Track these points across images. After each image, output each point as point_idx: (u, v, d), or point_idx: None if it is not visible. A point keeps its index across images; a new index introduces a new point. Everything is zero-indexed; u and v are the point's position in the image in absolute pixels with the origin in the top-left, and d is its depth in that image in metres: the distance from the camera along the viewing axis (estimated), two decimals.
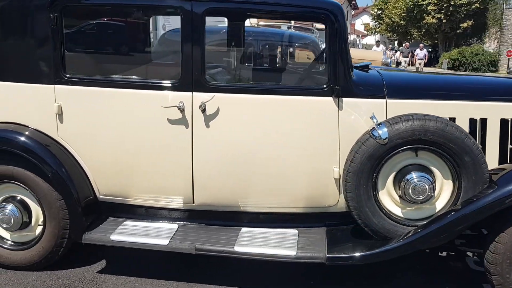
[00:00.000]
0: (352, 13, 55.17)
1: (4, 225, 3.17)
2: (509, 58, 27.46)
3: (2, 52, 3.14)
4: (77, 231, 3.10)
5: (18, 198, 3.22)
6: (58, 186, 3.05)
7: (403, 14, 37.43)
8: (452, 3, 34.12)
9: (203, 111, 2.97)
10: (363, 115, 2.99)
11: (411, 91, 3.16)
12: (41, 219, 3.22)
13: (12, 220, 3.15)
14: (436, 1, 34.86)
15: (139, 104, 3.03)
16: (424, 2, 35.27)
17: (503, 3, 41.15)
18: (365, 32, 55.47)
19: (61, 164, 3.05)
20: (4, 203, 3.21)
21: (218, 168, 3.07)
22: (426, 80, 3.77)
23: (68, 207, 3.07)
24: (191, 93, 2.97)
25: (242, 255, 2.93)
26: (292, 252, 2.92)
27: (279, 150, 3.02)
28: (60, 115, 3.10)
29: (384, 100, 3.02)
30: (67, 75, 3.06)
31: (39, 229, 3.25)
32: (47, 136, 3.14)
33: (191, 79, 2.96)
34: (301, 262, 2.96)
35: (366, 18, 58.56)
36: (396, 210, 2.96)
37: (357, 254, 2.86)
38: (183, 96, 2.98)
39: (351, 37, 46.31)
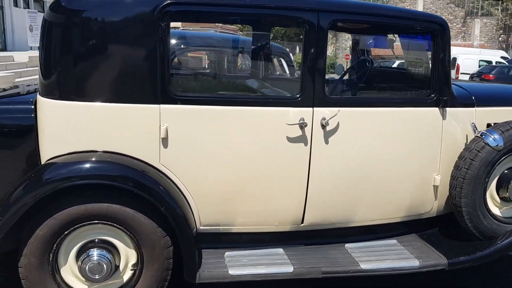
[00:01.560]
0: None
1: (96, 276, 2.63)
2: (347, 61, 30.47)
3: (96, 69, 2.60)
4: (191, 270, 2.71)
5: (99, 240, 2.70)
6: (169, 221, 2.63)
7: None
8: None
9: (323, 126, 2.84)
10: (460, 123, 3.16)
11: (494, 99, 3.42)
12: (132, 262, 2.75)
13: (105, 267, 2.63)
14: None
15: (256, 122, 2.77)
16: None
17: None
18: None
19: (170, 196, 2.64)
20: (88, 250, 2.66)
21: (333, 185, 2.97)
22: (500, 88, 4.09)
23: (181, 243, 2.67)
24: (312, 108, 2.82)
25: (370, 272, 2.89)
26: (415, 263, 2.96)
27: (390, 161, 3.03)
28: (164, 139, 2.68)
29: (474, 109, 3.22)
30: (175, 93, 2.66)
31: (128, 275, 2.77)
32: (148, 164, 2.69)
33: (312, 94, 2.81)
34: (424, 272, 3.00)
35: None
36: (496, 210, 3.19)
37: (474, 256, 3.01)
38: (304, 112, 2.81)
39: None
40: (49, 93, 2.63)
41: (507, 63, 22.46)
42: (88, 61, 2.58)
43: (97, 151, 2.64)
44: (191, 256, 2.69)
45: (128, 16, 2.57)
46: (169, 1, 2.54)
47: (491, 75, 19.10)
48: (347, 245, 3.14)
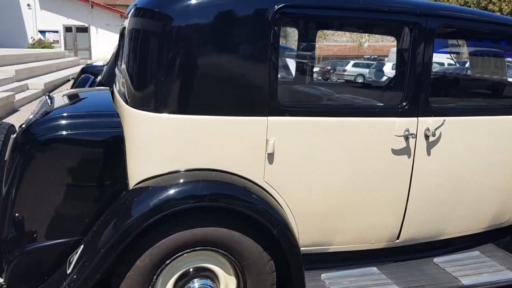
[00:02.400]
0: None
1: None
2: None
3: (198, 79, 2.31)
4: None
5: (198, 268, 2.43)
6: (281, 245, 2.40)
7: None
8: None
9: (427, 137, 2.69)
10: None
11: None
12: None
13: None
14: None
15: (363, 133, 2.58)
16: None
17: None
18: None
19: (281, 217, 2.41)
20: (189, 280, 2.38)
21: (432, 199, 2.83)
22: None
23: (293, 268, 2.44)
24: (416, 118, 2.66)
25: (483, 285, 2.77)
26: (510, 275, 2.88)
27: (486, 171, 2.94)
28: (270, 154, 2.43)
29: None
30: (283, 103, 2.42)
31: None
32: (252, 182, 2.44)
33: (418, 103, 2.65)
34: None
35: None
36: None
37: None
38: (409, 123, 2.65)
39: None
40: (144, 105, 2.31)
41: None
42: (189, 70, 2.28)
43: (201, 169, 2.36)
44: (302, 281, 2.46)
45: (236, 20, 2.30)
46: (283, 4, 2.30)
47: None
48: (435, 259, 3.02)
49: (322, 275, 2.72)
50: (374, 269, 2.84)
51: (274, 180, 2.47)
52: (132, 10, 2.48)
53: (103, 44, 30.34)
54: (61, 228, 2.39)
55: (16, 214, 2.33)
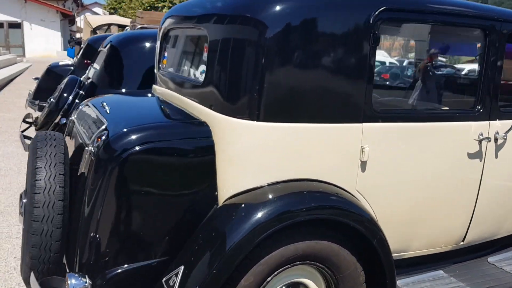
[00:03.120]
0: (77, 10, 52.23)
1: None
2: None
3: (298, 85, 2.19)
4: None
5: (294, 283, 2.33)
6: (379, 255, 2.34)
7: None
8: None
9: (496, 140, 2.74)
10: None
11: None
12: None
13: None
14: (170, 4, 36.46)
15: (445, 138, 2.58)
16: (159, 5, 36.43)
17: None
18: None
19: (379, 226, 2.35)
20: None
21: (497, 200, 2.89)
22: None
23: (388, 279, 2.39)
24: (488, 122, 2.70)
25: None
26: None
27: None
28: (363, 162, 2.37)
29: None
30: (376, 109, 2.36)
31: None
32: (345, 190, 2.36)
33: (490, 107, 2.69)
34: None
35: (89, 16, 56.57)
36: None
37: None
38: (482, 126, 2.68)
39: (78, 35, 44.19)
40: (241, 113, 2.17)
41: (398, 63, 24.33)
42: (287, 77, 2.16)
43: (299, 180, 2.25)
44: None
45: (334, 25, 2.20)
46: (384, 7, 2.23)
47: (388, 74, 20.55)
48: (489, 258, 3.08)
49: (398, 282, 2.68)
50: (441, 272, 2.85)
51: (364, 188, 2.41)
52: (216, 16, 2.33)
53: (38, 41, 28.86)
54: (145, 249, 2.20)
55: (98, 236, 2.12)
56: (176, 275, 2.08)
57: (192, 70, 2.77)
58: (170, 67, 3.08)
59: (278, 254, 2.13)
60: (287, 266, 2.20)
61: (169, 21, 3.05)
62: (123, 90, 5.08)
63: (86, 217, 2.13)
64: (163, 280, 2.13)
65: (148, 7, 37.47)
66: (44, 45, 28.83)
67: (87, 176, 2.21)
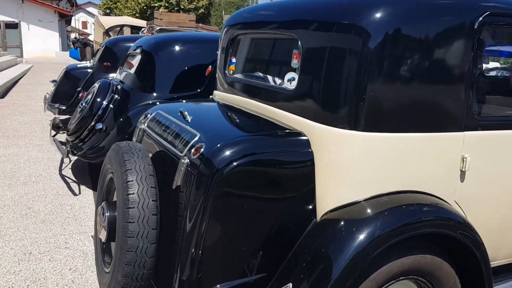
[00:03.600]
0: (71, 10, 51.78)
1: None
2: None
3: (403, 93, 2.11)
4: None
5: None
6: (480, 268, 2.28)
7: (136, 15, 37.52)
8: (181, 6, 36.13)
9: None
10: None
11: None
12: None
13: None
14: (166, 4, 36.37)
15: None
16: (156, 4, 36.36)
17: (223, 10, 45.84)
18: (84, 30, 53.09)
19: (480, 238, 2.28)
20: None
21: None
22: None
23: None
24: None
25: None
26: None
27: None
28: (463, 172, 2.30)
29: None
30: (478, 117, 2.29)
31: None
32: (446, 202, 2.29)
33: None
34: None
35: (83, 16, 56.11)
36: None
37: None
38: None
39: (72, 35, 43.97)
40: (341, 123, 2.09)
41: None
42: (393, 86, 2.09)
43: (401, 192, 2.18)
44: None
45: (439, 30, 2.11)
46: (489, 11, 2.16)
47: None
48: None
49: None
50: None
51: (462, 198, 2.34)
52: (313, 23, 2.24)
53: (36, 42, 28.59)
54: (244, 265, 2.12)
55: (200, 253, 2.03)
56: None
57: (272, 77, 2.68)
58: (240, 73, 2.99)
59: (386, 269, 2.06)
60: (392, 282, 2.13)
61: (236, 26, 2.96)
62: (154, 94, 5.00)
63: (188, 232, 2.05)
64: None
65: (144, 7, 37.37)
66: (42, 45, 28.54)
67: (184, 189, 2.13)
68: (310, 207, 2.18)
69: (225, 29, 3.08)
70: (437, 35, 2.12)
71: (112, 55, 7.82)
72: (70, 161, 6.24)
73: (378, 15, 2.04)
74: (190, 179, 2.11)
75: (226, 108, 2.81)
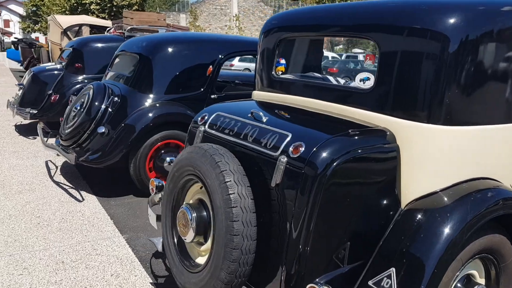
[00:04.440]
0: None
1: None
2: None
3: (488, 88, 2.35)
4: None
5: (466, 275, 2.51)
6: None
7: (66, 12, 36.12)
8: (114, 3, 35.25)
9: None
10: None
11: None
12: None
13: None
14: (99, 1, 35.35)
15: None
16: (87, 1, 35.26)
17: (157, 7, 45.05)
18: (7, 29, 50.25)
19: None
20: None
21: None
22: None
23: None
24: None
25: None
26: None
27: None
28: None
29: None
30: None
31: None
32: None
33: None
34: None
35: (6, 14, 52.98)
36: None
37: None
38: None
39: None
40: (425, 118, 2.29)
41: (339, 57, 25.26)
42: (471, 83, 2.31)
43: (476, 179, 2.42)
44: None
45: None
46: None
47: (334, 69, 21.26)
48: None
49: None
50: None
51: None
52: (390, 27, 2.40)
53: None
54: (341, 257, 2.27)
55: (307, 249, 2.16)
56: (389, 277, 2.17)
57: (333, 77, 2.83)
58: (290, 73, 3.11)
59: (470, 249, 2.29)
60: (470, 260, 2.36)
61: (285, 28, 3.08)
62: (156, 96, 5.01)
63: (295, 230, 2.16)
64: (370, 283, 2.21)
65: (75, 4, 36.05)
66: None
67: (283, 187, 2.23)
68: (396, 197, 2.36)
69: (270, 30, 3.18)
70: (508, 35, 2.35)
71: (83, 56, 7.64)
72: (57, 167, 6.05)
73: (456, 19, 2.25)
74: (291, 178, 2.22)
75: (286, 107, 2.90)
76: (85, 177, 5.64)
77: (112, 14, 35.08)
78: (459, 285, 2.39)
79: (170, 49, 5.16)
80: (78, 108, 5.19)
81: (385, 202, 2.34)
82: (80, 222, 4.28)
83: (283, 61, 3.13)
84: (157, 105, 4.94)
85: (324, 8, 2.92)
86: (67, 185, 5.32)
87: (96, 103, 5.02)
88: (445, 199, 2.30)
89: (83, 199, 4.88)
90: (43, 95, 7.53)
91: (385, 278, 2.17)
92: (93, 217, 4.41)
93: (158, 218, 3.00)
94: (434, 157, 2.31)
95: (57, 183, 5.38)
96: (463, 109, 2.33)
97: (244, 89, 5.94)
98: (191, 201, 2.65)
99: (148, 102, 4.96)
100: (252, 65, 21.13)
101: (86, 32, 10.77)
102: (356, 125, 2.44)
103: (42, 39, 32.69)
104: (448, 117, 2.29)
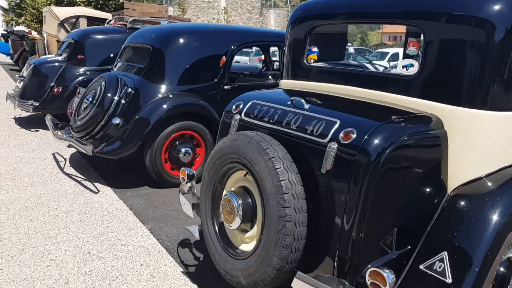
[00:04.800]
0: None
1: None
2: None
3: None
4: None
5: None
6: None
7: (52, 5, 35.51)
8: None
9: None
10: None
11: None
12: None
13: None
14: None
15: None
16: None
17: (144, 0, 44.64)
18: None
19: None
20: None
21: None
22: None
23: None
24: None
25: None
26: None
27: None
28: None
29: None
30: None
31: None
32: None
33: None
34: None
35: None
36: None
37: None
38: None
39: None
40: (472, 104, 2.32)
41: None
42: None
43: None
44: None
45: None
46: None
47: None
48: None
49: None
50: None
51: None
52: (439, 14, 2.42)
53: None
54: (389, 242, 2.29)
55: (361, 236, 2.19)
56: (441, 260, 2.20)
57: (374, 66, 2.84)
58: (323, 61, 3.12)
59: None
60: None
61: (317, 16, 3.08)
62: (169, 87, 4.99)
63: (349, 216, 2.18)
64: (422, 267, 2.23)
65: None
66: None
67: (334, 173, 2.25)
68: (442, 183, 2.39)
69: (300, 19, 3.18)
70: None
71: (85, 48, 7.56)
72: (65, 159, 6.00)
73: (501, 5, 2.27)
74: (342, 164, 2.23)
75: (326, 95, 2.90)
76: (96, 168, 5.60)
77: (99, 7, 34.65)
78: (501, 268, 2.43)
79: (183, 40, 5.13)
80: (90, 99, 5.14)
81: (432, 188, 2.37)
82: (100, 213, 4.25)
83: (315, 49, 3.13)
84: (171, 96, 4.92)
85: None
86: (80, 177, 5.28)
87: (109, 95, 4.98)
88: (492, 184, 2.33)
89: (98, 191, 4.84)
90: (45, 87, 7.44)
91: (437, 262, 2.20)
92: (112, 208, 4.38)
93: (194, 206, 2.99)
94: (480, 142, 2.34)
95: (69, 175, 5.33)
96: (509, 94, 2.36)
97: (254, 80, 5.94)
98: (233, 189, 2.65)
99: (162, 93, 4.93)
100: (242, 58, 21.12)
101: (83, 24, 10.63)
102: (402, 112, 2.46)
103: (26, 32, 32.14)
104: (494, 103, 2.32)
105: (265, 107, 2.79)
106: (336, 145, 2.26)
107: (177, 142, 4.93)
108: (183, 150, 4.93)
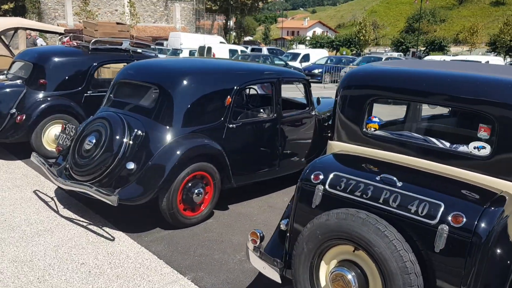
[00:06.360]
0: None
1: None
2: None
3: None
4: None
5: None
6: None
7: None
8: None
9: None
10: None
11: None
12: None
13: None
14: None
15: None
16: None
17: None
18: None
19: None
20: None
21: None
22: None
23: None
24: None
25: None
26: None
27: None
28: None
29: None
30: None
31: None
32: None
33: None
34: None
35: None
36: None
37: None
38: None
39: None
40: None
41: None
42: None
43: None
44: None
45: None
46: None
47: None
48: None
49: None
50: None
51: None
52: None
53: None
54: None
55: None
56: None
57: (439, 141, 3.21)
58: (384, 130, 3.45)
59: None
60: None
61: (379, 87, 3.38)
62: (179, 128, 5.06)
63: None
64: None
65: None
66: None
67: (448, 253, 2.64)
68: None
69: (357, 86, 3.47)
70: None
71: (45, 72, 7.22)
72: (52, 198, 5.76)
73: None
74: (456, 244, 2.60)
75: (405, 167, 3.19)
76: (92, 207, 5.45)
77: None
78: None
79: (192, 81, 5.18)
80: (95, 141, 5.01)
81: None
82: (132, 266, 4.23)
83: (376, 119, 3.45)
84: (184, 138, 4.96)
85: (427, 73, 3.26)
86: (83, 221, 5.13)
87: (117, 137, 4.90)
88: None
89: (113, 237, 4.77)
90: (3, 114, 6.97)
91: None
92: (141, 258, 4.38)
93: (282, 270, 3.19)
94: None
95: (71, 220, 5.16)
96: None
97: (254, 115, 6.12)
98: (337, 263, 2.91)
99: (173, 135, 4.96)
100: None
101: (22, 36, 9.88)
102: (489, 193, 2.85)
103: None
104: None
105: (352, 181, 3.05)
106: (447, 227, 2.61)
107: (190, 184, 5.00)
108: (196, 191, 5.02)
